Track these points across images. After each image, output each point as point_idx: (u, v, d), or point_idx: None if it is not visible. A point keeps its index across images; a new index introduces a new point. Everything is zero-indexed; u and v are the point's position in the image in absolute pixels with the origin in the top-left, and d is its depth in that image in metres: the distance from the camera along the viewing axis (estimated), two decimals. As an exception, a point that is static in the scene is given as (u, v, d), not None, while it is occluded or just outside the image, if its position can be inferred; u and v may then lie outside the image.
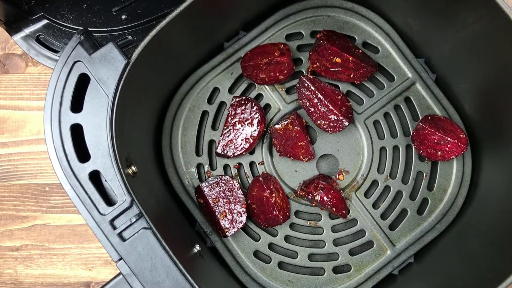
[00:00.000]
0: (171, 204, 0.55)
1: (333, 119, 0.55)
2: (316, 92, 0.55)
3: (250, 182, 0.58)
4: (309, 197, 0.55)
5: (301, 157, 0.56)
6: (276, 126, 0.55)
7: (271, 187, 0.55)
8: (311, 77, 0.56)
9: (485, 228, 0.52)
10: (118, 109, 0.42)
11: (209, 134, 0.58)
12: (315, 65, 0.57)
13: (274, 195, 0.54)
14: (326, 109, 0.55)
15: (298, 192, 0.56)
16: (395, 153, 0.59)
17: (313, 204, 0.57)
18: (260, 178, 0.55)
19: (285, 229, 0.58)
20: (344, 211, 0.55)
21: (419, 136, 0.56)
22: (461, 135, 0.55)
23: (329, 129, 0.56)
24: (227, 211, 0.55)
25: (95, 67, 0.42)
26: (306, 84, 0.55)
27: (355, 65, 0.56)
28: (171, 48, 0.50)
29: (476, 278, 0.47)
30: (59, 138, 0.41)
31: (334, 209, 0.55)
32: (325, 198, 0.54)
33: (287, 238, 0.58)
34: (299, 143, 0.55)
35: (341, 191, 0.57)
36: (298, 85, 0.56)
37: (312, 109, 0.56)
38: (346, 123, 0.55)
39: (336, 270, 0.57)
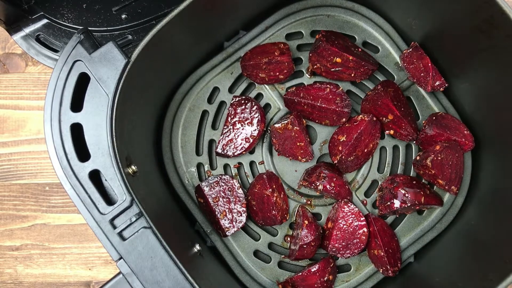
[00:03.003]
0: (171, 204, 0.55)
1: (334, 114, 0.55)
2: (303, 101, 0.55)
3: (250, 181, 0.58)
4: (312, 187, 0.55)
5: (299, 157, 0.56)
6: (276, 125, 0.55)
7: (274, 186, 0.55)
8: (291, 90, 0.56)
9: (485, 227, 0.52)
10: (118, 109, 0.42)
11: (209, 134, 0.58)
12: (315, 66, 0.57)
13: (275, 195, 0.54)
14: (322, 109, 0.55)
15: (301, 182, 0.56)
16: (395, 153, 0.59)
17: (317, 193, 0.57)
18: (264, 176, 0.55)
19: (285, 228, 0.58)
20: (348, 197, 0.56)
21: (426, 139, 0.55)
22: (465, 131, 0.55)
23: (335, 122, 0.56)
24: (227, 210, 0.55)
25: (95, 66, 0.42)
26: (292, 99, 0.56)
27: (356, 64, 0.56)
28: (171, 48, 0.50)
29: (476, 278, 0.47)
30: (59, 138, 0.41)
31: (338, 197, 0.55)
32: (328, 186, 0.54)
33: (287, 238, 0.58)
34: (298, 143, 0.55)
35: (344, 176, 0.57)
36: (285, 102, 0.57)
37: (312, 115, 0.56)
38: (347, 110, 0.55)
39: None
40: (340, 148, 0.55)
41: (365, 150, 0.56)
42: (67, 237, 0.65)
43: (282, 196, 0.56)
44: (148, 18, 0.62)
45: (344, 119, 0.56)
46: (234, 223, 0.55)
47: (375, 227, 0.54)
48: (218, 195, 0.55)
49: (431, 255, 0.56)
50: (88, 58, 0.42)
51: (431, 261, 0.55)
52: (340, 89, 0.56)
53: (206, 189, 0.55)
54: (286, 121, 0.54)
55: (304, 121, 0.57)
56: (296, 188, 0.58)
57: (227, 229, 0.55)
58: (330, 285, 0.55)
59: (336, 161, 0.56)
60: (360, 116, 0.56)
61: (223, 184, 0.56)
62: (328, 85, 0.56)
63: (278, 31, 0.59)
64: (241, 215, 0.55)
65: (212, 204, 0.55)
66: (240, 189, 0.56)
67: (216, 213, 0.55)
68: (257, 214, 0.56)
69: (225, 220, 0.55)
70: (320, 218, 0.58)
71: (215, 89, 0.59)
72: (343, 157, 0.55)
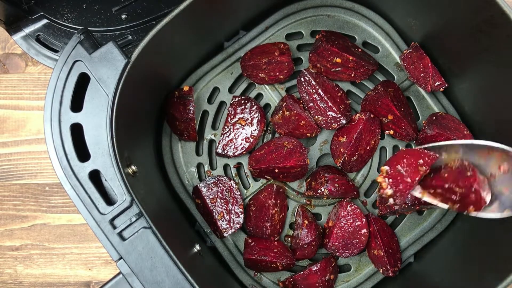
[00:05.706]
0: (171, 204, 0.55)
1: (331, 116, 0.55)
2: (317, 87, 0.55)
3: (250, 182, 0.58)
4: (318, 194, 0.55)
5: (307, 134, 0.56)
6: (275, 117, 0.55)
7: (278, 201, 0.55)
8: (313, 71, 0.56)
9: (484, 228, 0.52)
10: (118, 109, 0.42)
11: (209, 134, 0.58)
12: (315, 66, 0.57)
13: (276, 209, 0.54)
14: (325, 105, 0.55)
15: (306, 193, 0.56)
16: (395, 153, 0.58)
17: (325, 198, 0.57)
18: (274, 186, 0.55)
19: (285, 229, 0.57)
20: (355, 192, 0.56)
21: (426, 139, 0.55)
22: (465, 131, 0.55)
23: (325, 125, 0.56)
24: (224, 211, 0.55)
25: (95, 66, 0.42)
26: (307, 78, 0.55)
27: (356, 64, 0.56)
28: (171, 48, 0.50)
29: (476, 278, 0.47)
30: (59, 138, 0.41)
31: (346, 195, 0.55)
32: (332, 189, 0.54)
33: (287, 238, 0.58)
34: (301, 123, 0.55)
35: (344, 172, 0.57)
36: (299, 78, 0.56)
37: (311, 104, 0.56)
38: (344, 121, 0.55)
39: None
40: (342, 150, 0.55)
41: (367, 148, 0.56)
42: (67, 237, 0.65)
43: (281, 216, 0.56)
44: (148, 18, 0.62)
45: (335, 125, 0.56)
46: (231, 224, 0.55)
47: (375, 227, 0.54)
48: (216, 196, 0.55)
49: (431, 255, 0.56)
50: (88, 58, 0.42)
51: (431, 261, 0.55)
52: (349, 102, 0.57)
53: (204, 190, 0.55)
54: (280, 110, 0.54)
55: (297, 98, 0.57)
56: (296, 188, 0.58)
57: (224, 230, 0.55)
58: (331, 285, 0.55)
59: (339, 164, 0.55)
60: (358, 115, 0.56)
61: (221, 185, 0.56)
62: (342, 91, 0.56)
63: (278, 31, 0.59)
64: (238, 217, 0.55)
65: (209, 205, 0.55)
66: (238, 190, 0.56)
67: (214, 214, 0.55)
68: (251, 220, 0.56)
69: (222, 221, 0.55)
70: (320, 218, 0.58)
71: (215, 89, 0.59)
72: (346, 158, 0.55)
